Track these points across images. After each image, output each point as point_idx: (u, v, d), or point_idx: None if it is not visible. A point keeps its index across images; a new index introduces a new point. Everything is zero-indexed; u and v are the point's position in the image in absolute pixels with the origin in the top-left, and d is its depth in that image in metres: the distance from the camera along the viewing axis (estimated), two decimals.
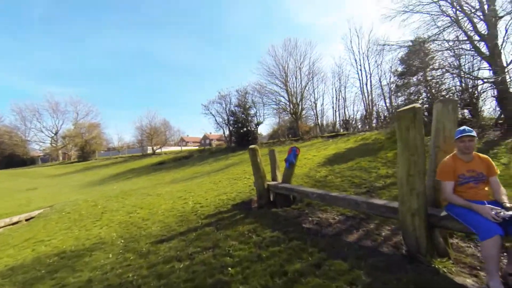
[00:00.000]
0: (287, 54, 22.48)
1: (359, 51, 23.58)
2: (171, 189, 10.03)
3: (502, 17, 8.39)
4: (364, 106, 20.35)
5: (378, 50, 16.57)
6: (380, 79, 19.23)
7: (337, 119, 23.28)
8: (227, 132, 22.63)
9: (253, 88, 21.79)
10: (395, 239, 2.88)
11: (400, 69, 13.52)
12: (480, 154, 2.22)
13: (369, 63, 21.16)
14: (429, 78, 11.03)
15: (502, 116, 8.74)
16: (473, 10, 8.89)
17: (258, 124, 20.54)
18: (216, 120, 22.97)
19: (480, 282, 1.99)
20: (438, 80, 10.98)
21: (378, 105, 19.11)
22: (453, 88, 10.43)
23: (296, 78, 22.29)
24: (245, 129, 20.29)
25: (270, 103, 22.08)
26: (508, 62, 8.95)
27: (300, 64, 22.44)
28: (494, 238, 1.71)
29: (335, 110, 23.44)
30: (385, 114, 16.03)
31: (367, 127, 17.11)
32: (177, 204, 7.05)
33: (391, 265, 2.31)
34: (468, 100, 9.77)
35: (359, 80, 21.26)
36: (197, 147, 34.39)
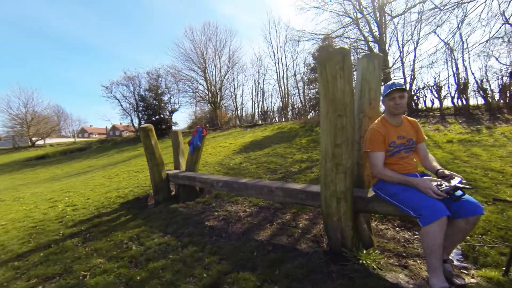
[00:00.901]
0: (206, 39, 20.98)
1: (277, 44, 24.42)
2: (42, 190, 7.43)
3: (388, 23, 9.69)
4: (281, 98, 21.25)
5: (294, 42, 17.23)
6: (295, 72, 20.36)
7: (256, 111, 23.60)
8: (136, 120, 19.44)
9: (166, 72, 19.29)
10: (314, 230, 2.35)
11: (312, 64, 14.40)
12: (408, 117, 1.84)
13: (285, 57, 22.15)
14: None
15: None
16: (371, 14, 9.97)
17: (172, 111, 18.39)
18: (122, 105, 19.35)
19: (413, 275, 1.56)
20: None
21: (293, 97, 20.26)
22: None
23: (215, 66, 21.16)
24: (157, 116, 17.84)
25: (187, 90, 20.18)
26: (392, 64, 10.56)
27: (220, 52, 21.40)
28: (441, 221, 1.26)
29: (254, 102, 23.68)
30: (299, 106, 16.98)
31: (283, 118, 17.82)
32: (38, 210, 5.00)
33: (312, 270, 1.69)
34: None
35: (277, 72, 22.04)
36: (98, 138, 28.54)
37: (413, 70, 10.09)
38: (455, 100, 9.12)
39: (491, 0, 5.91)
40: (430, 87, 9.85)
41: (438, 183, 1.38)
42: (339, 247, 1.80)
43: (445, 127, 7.21)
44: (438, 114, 8.94)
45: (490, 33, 5.51)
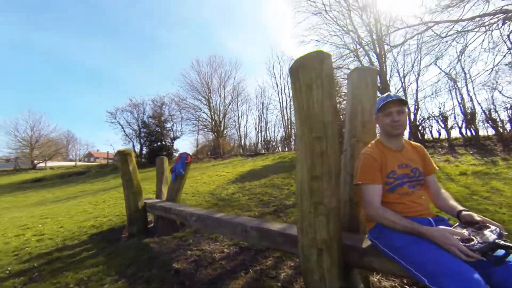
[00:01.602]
0: (211, 70, 21.71)
1: (280, 76, 25.00)
2: (22, 215, 6.99)
3: (387, 54, 9.70)
4: (284, 128, 21.12)
5: None
6: None
7: (259, 140, 23.43)
8: (137, 146, 19.33)
9: (171, 100, 19.64)
10: (297, 284, 1.82)
11: None
12: (411, 142, 1.43)
13: (289, 88, 22.47)
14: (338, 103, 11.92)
15: None
16: (370, 47, 10.07)
17: (174, 138, 18.31)
18: (125, 131, 19.41)
19: None
20: (344, 106, 11.98)
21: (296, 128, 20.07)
22: None
23: (220, 96, 21.56)
24: (159, 143, 17.73)
25: (190, 118, 20.36)
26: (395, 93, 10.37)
27: (225, 82, 21.96)
28: None
29: (258, 131, 23.62)
30: None
31: (286, 148, 17.48)
32: (2, 238, 4.53)
33: None
34: None
35: (280, 103, 22.22)
36: (98, 163, 28.34)
37: (416, 100, 9.86)
38: (463, 131, 8.70)
39: (491, 31, 5.79)
40: (435, 117, 9.52)
41: (466, 235, 0.93)
42: None
43: (455, 158, 6.69)
44: (447, 145, 8.46)
45: (494, 61, 5.31)
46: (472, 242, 0.88)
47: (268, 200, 4.79)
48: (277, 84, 22.81)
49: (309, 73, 1.13)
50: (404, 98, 1.25)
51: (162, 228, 3.68)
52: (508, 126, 7.74)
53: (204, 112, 20.96)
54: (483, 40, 5.13)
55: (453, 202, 1.16)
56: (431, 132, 9.74)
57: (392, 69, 10.46)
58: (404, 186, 1.21)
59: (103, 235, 3.99)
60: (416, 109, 10.03)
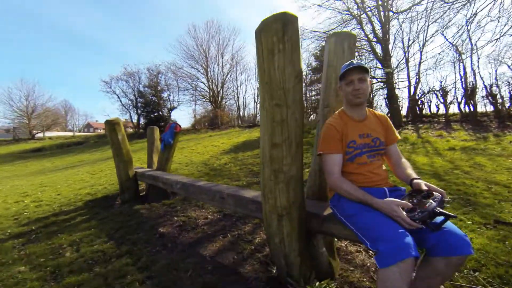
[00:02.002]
0: (209, 36, 20.69)
1: None
2: (22, 183, 7.19)
3: (390, 21, 9.17)
4: None
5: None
6: None
7: (258, 111, 23.18)
8: (135, 117, 19.24)
9: (167, 69, 19.04)
10: (268, 248, 1.93)
11: (314, 64, 13.95)
12: (376, 111, 1.38)
13: None
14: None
15: (389, 114, 9.72)
16: (374, 13, 9.48)
17: (171, 109, 18.14)
18: (121, 101, 19.17)
19: None
20: None
21: None
22: None
23: (217, 64, 20.85)
24: (156, 113, 17.61)
25: (188, 87, 19.91)
26: (395, 65, 10.05)
27: (223, 51, 21.10)
28: (404, 264, 0.83)
29: (256, 102, 23.25)
30: None
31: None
32: (3, 204, 4.71)
33: None
34: None
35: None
36: (96, 133, 28.34)
37: (418, 73, 9.57)
38: (461, 106, 8.58)
39: None
40: (435, 92, 9.32)
41: (410, 205, 0.97)
42: (285, 276, 1.39)
43: (449, 133, 6.70)
44: (443, 120, 8.41)
45: (501, 32, 5.03)
46: (414, 213, 0.92)
47: (258, 170, 4.88)
48: None
49: (271, 37, 1.08)
50: (365, 65, 1.20)
51: (153, 195, 3.81)
52: (507, 103, 7.61)
53: (201, 82, 20.47)
54: (491, 9, 4.82)
55: (410, 171, 1.19)
56: (429, 107, 9.62)
57: (396, 38, 9.99)
58: (363, 155, 1.23)
59: (97, 202, 4.15)
60: (417, 83, 9.78)
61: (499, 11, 4.89)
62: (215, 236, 2.28)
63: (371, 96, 10.95)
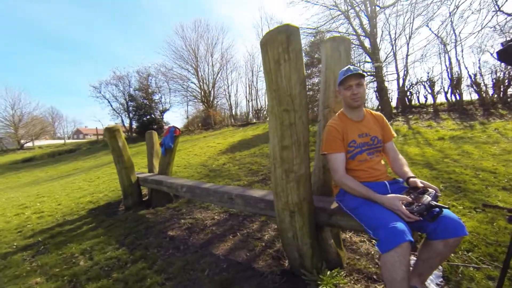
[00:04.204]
0: (197, 36, 20.51)
1: None
2: (18, 195, 7.09)
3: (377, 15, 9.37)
4: None
5: None
6: None
7: (250, 109, 23.23)
8: (126, 121, 19.01)
9: (157, 71, 18.83)
10: (278, 243, 2.05)
11: (305, 60, 14.09)
12: (373, 111, 1.52)
13: None
14: None
15: (380, 106, 9.96)
16: (361, 8, 9.66)
17: (163, 111, 18.01)
18: (112, 106, 18.89)
19: None
20: None
21: None
22: None
23: (207, 64, 20.74)
24: (148, 116, 17.46)
25: (179, 89, 19.75)
26: (384, 59, 10.28)
27: (212, 49, 20.99)
28: (401, 248, 0.95)
29: (248, 100, 23.28)
30: None
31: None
32: (2, 217, 4.68)
33: None
34: None
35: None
36: (88, 140, 27.80)
37: (406, 65, 9.83)
38: (448, 96, 8.87)
39: None
40: (423, 83, 9.60)
41: (410, 199, 1.09)
42: (298, 267, 1.51)
43: (437, 123, 6.95)
44: (432, 110, 8.69)
45: (482, 24, 5.26)
46: (412, 206, 1.05)
47: (257, 169, 4.99)
48: None
49: (277, 48, 1.18)
50: (362, 71, 1.32)
51: (156, 200, 3.87)
52: (491, 91, 7.93)
53: (192, 82, 20.32)
54: (471, 2, 5.01)
55: (406, 169, 1.32)
56: (418, 97, 9.90)
57: (383, 31, 10.22)
58: (363, 153, 1.35)
59: (100, 210, 4.17)
60: (405, 74, 10.05)
61: (479, 3, 5.12)
62: (225, 236, 2.37)
63: None
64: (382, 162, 1.43)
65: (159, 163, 4.20)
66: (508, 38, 6.12)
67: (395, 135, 1.47)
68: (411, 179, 1.21)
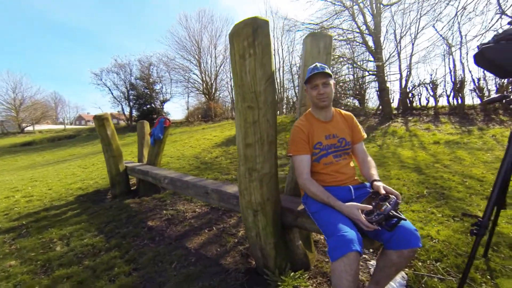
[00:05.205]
0: (201, 26, 20.25)
1: (273, 35, 23.62)
2: (12, 178, 7.15)
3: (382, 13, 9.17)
4: (277, 91, 20.69)
5: (290, 33, 16.49)
6: (291, 65, 19.78)
7: None
8: (127, 109, 19.00)
9: (159, 60, 18.67)
10: None
11: None
12: (342, 111, 1.44)
13: (282, 49, 21.48)
14: (331, 66, 11.56)
15: (380, 106, 9.84)
16: (366, 4, 9.44)
17: (164, 101, 17.95)
18: (112, 94, 18.85)
19: None
20: (337, 69, 11.70)
21: (289, 91, 19.73)
22: (347, 77, 11.26)
23: (210, 56, 20.54)
24: (148, 106, 17.42)
25: (180, 79, 19.62)
26: (387, 58, 10.10)
27: (216, 41, 20.75)
28: (347, 258, 0.92)
29: None
30: (294, 100, 16.53)
31: (278, 112, 17.40)
32: None
33: None
34: (358, 90, 10.75)
35: (274, 63, 21.36)
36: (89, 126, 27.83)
37: (409, 65, 9.66)
38: (450, 99, 8.74)
39: None
40: (425, 85, 9.45)
41: (370, 208, 1.05)
42: (262, 267, 1.49)
43: (436, 126, 6.86)
44: (432, 113, 8.57)
45: (486, 27, 5.10)
46: (372, 215, 1.01)
47: None
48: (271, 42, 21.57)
49: (242, 42, 1.13)
50: (328, 70, 1.26)
51: (143, 189, 3.87)
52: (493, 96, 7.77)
53: (194, 74, 20.18)
54: (476, 4, 4.85)
55: (373, 171, 1.26)
56: (419, 99, 9.76)
57: (387, 30, 10.02)
58: (329, 156, 1.30)
59: (88, 197, 4.19)
60: (408, 75, 9.89)
61: (486, 5, 4.96)
62: (201, 229, 2.36)
63: (363, 89, 11.05)
64: (352, 164, 1.38)
65: (148, 153, 4.18)
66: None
67: (365, 136, 1.41)
68: (375, 183, 1.17)
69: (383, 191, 1.10)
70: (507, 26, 1.13)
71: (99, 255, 2.12)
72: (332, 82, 1.28)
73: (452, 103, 8.56)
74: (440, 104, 9.11)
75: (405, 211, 2.21)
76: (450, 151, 4.29)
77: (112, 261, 1.97)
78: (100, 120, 3.72)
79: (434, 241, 1.72)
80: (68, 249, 2.32)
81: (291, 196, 1.68)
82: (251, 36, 1.12)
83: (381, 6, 8.59)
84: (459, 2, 6.50)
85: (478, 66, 1.08)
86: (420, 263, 1.51)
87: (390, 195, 1.07)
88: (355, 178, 1.34)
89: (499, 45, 0.93)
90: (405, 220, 1.01)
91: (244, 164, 1.28)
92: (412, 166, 3.64)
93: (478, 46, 1.04)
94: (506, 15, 3.94)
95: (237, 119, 1.25)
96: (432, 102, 9.35)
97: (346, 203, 1.10)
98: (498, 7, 3.90)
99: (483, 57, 1.03)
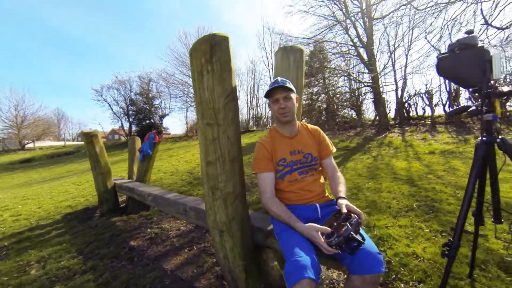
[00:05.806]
0: None
1: (271, 50, 24.07)
2: (4, 196, 7.07)
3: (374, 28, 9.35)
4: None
5: (282, 45, 16.84)
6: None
7: (251, 117, 23.20)
8: (126, 124, 19.13)
9: (158, 76, 19.00)
10: None
11: (305, 69, 14.09)
12: (309, 125, 1.38)
13: None
14: (327, 78, 11.69)
15: (377, 117, 9.84)
16: (357, 18, 9.66)
17: (163, 116, 18.09)
18: (112, 109, 19.07)
19: None
20: (333, 82, 11.83)
21: None
22: (343, 89, 11.34)
23: None
24: (148, 121, 17.56)
25: (179, 94, 19.85)
26: (381, 69, 10.20)
27: None
28: (300, 285, 0.85)
29: (249, 108, 23.30)
30: None
31: (267, 127, 17.46)
32: None
33: None
34: (354, 101, 10.79)
35: (270, 78, 21.64)
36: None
37: (404, 76, 9.73)
38: (446, 108, 8.72)
39: (467, 4, 5.51)
40: (421, 94, 9.47)
41: (329, 230, 0.98)
42: None
43: (433, 136, 6.79)
44: (429, 123, 8.53)
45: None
46: (331, 238, 0.94)
47: None
48: (267, 57, 21.88)
49: (200, 59, 1.11)
50: (289, 85, 1.23)
51: (132, 206, 3.80)
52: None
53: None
54: (461, 14, 4.90)
55: (340, 188, 1.20)
56: (416, 109, 9.75)
57: (380, 42, 10.17)
58: (293, 173, 1.24)
59: (76, 215, 4.11)
60: (403, 86, 9.94)
61: (473, 16, 5.01)
62: (182, 249, 2.27)
63: (360, 100, 11.10)
64: (322, 181, 1.32)
65: (137, 170, 4.14)
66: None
67: (334, 150, 1.35)
68: (339, 201, 1.10)
69: (344, 210, 1.04)
70: (493, 36, 1.10)
71: (73, 279, 2.03)
72: (294, 96, 1.25)
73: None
74: (436, 113, 9.11)
75: (392, 226, 2.12)
76: (444, 161, 4.21)
77: (84, 285, 1.88)
78: (89, 137, 3.71)
79: (419, 259, 1.63)
80: (43, 272, 2.23)
81: (266, 214, 1.61)
82: (209, 52, 1.10)
83: (373, 20, 8.78)
84: (447, 14, 6.61)
85: (441, 77, 1.05)
86: (402, 285, 1.41)
87: (352, 214, 1.01)
88: (325, 195, 1.28)
89: (454, 54, 0.90)
90: (364, 243, 0.93)
91: (206, 182, 1.23)
92: (405, 178, 3.56)
93: (437, 57, 1.01)
94: (492, 26, 3.98)
95: (199, 136, 1.21)
96: (428, 112, 9.35)
97: (306, 224, 1.03)
98: (483, 18, 3.94)
99: (442, 67, 1.00)
